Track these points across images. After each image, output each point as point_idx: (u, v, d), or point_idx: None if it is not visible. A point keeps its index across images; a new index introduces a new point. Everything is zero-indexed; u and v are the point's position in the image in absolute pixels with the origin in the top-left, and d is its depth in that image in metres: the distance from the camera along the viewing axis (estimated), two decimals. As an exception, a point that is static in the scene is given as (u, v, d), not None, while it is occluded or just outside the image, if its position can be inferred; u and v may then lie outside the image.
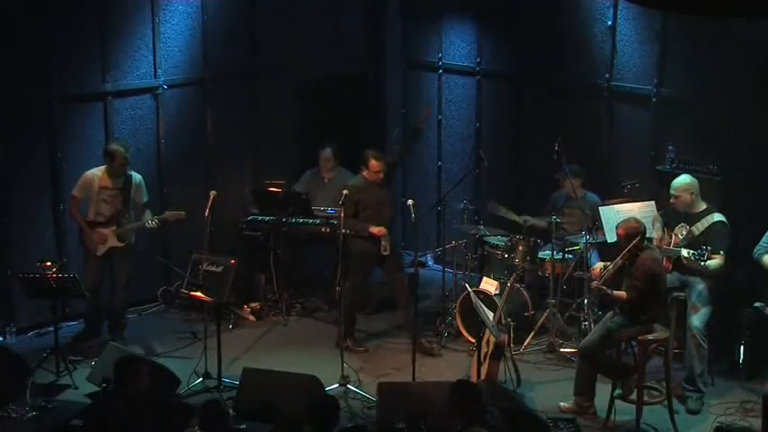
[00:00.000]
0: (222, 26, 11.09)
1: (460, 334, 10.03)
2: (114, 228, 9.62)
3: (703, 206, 8.82)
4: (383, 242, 9.65)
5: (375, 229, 9.64)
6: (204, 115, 11.14)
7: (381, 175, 9.68)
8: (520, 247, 10.03)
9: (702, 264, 8.47)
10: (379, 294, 10.71)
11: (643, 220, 8.71)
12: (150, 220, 9.71)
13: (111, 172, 9.61)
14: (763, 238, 8.59)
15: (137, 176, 9.79)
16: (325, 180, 10.96)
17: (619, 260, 8.34)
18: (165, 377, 8.53)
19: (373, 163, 9.65)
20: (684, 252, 8.56)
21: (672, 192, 8.85)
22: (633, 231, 8.28)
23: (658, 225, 9.04)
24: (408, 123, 12.20)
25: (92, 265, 9.66)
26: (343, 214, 9.39)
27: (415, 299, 9.35)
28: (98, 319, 9.91)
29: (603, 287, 8.31)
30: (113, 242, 9.64)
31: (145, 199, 9.83)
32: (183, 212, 9.81)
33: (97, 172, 9.65)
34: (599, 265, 8.62)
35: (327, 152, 10.89)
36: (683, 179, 8.85)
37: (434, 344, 9.86)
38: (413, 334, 9.23)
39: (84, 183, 9.64)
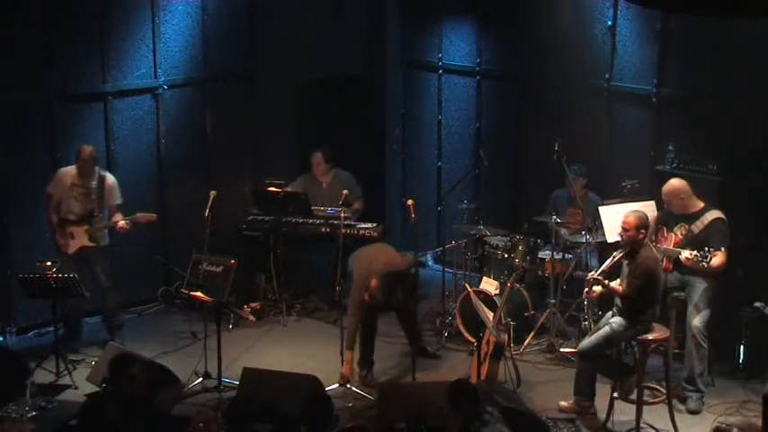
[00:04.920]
0: (222, 26, 11.09)
1: (460, 334, 10.03)
2: (87, 227, 9.60)
3: (700, 205, 8.81)
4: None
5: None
6: (204, 115, 11.15)
7: None
8: (520, 247, 10.02)
9: (705, 265, 8.47)
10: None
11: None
12: (122, 221, 9.66)
13: (79, 170, 9.62)
14: None
15: (111, 177, 9.76)
16: (323, 185, 10.96)
17: (618, 254, 8.34)
18: (163, 376, 8.50)
19: None
20: (686, 253, 8.55)
21: (663, 199, 8.87)
22: (642, 223, 8.26)
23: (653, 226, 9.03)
24: (408, 123, 12.23)
25: (66, 265, 9.58)
26: None
27: (415, 299, 9.36)
28: (75, 321, 9.86)
29: (600, 278, 8.29)
30: (84, 241, 9.62)
31: (118, 201, 9.76)
32: (155, 215, 9.79)
33: (71, 170, 9.65)
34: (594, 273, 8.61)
35: (317, 156, 10.89)
36: (670, 184, 8.85)
37: (436, 350, 9.83)
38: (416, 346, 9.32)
39: (56, 179, 9.65)
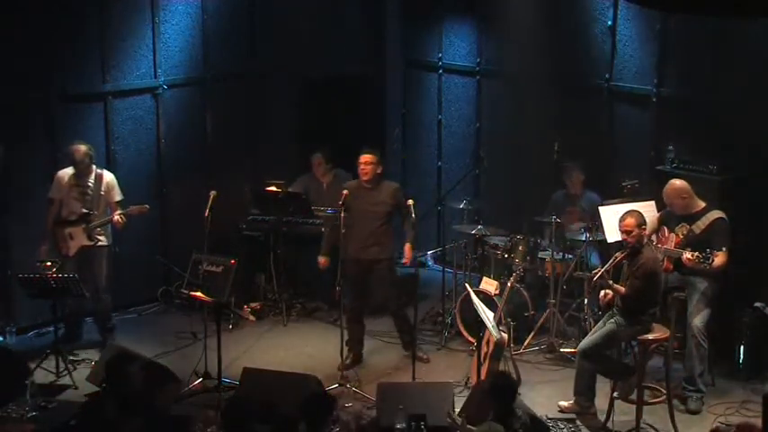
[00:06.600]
0: (222, 26, 11.10)
1: (460, 334, 10.03)
2: (84, 226, 9.59)
3: (701, 204, 8.81)
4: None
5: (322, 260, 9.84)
6: (204, 115, 11.15)
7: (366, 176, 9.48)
8: (520, 247, 10.03)
9: (707, 266, 8.46)
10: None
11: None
12: (117, 215, 9.64)
13: (76, 170, 9.61)
14: None
15: (108, 175, 9.75)
16: (323, 185, 10.96)
17: (619, 254, 8.34)
18: (162, 375, 8.50)
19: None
20: (688, 254, 8.55)
21: (665, 200, 8.86)
22: (640, 219, 8.26)
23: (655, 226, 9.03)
24: (408, 123, 12.21)
25: (66, 267, 9.55)
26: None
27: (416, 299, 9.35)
28: (75, 321, 9.87)
29: (605, 276, 8.29)
30: (83, 241, 9.60)
31: (118, 198, 9.76)
32: (147, 206, 9.77)
33: (68, 170, 9.64)
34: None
35: (317, 156, 10.92)
36: (672, 184, 8.85)
37: (427, 353, 9.78)
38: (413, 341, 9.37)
39: (55, 182, 9.64)
